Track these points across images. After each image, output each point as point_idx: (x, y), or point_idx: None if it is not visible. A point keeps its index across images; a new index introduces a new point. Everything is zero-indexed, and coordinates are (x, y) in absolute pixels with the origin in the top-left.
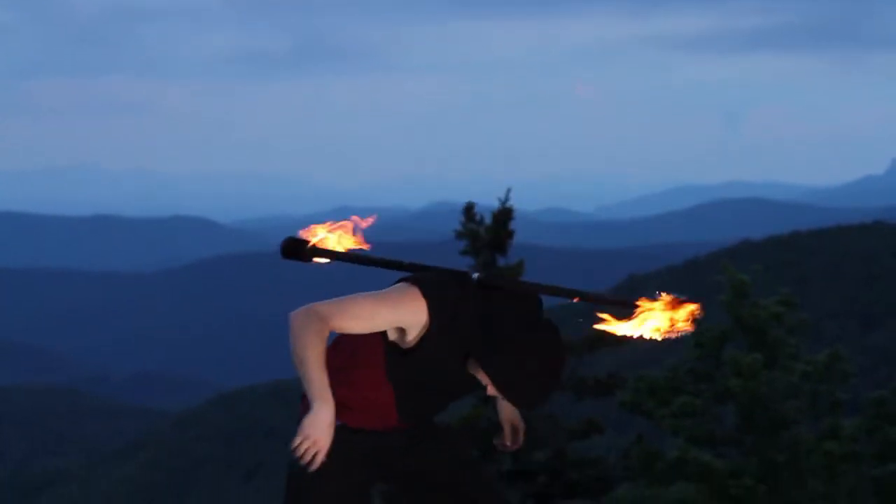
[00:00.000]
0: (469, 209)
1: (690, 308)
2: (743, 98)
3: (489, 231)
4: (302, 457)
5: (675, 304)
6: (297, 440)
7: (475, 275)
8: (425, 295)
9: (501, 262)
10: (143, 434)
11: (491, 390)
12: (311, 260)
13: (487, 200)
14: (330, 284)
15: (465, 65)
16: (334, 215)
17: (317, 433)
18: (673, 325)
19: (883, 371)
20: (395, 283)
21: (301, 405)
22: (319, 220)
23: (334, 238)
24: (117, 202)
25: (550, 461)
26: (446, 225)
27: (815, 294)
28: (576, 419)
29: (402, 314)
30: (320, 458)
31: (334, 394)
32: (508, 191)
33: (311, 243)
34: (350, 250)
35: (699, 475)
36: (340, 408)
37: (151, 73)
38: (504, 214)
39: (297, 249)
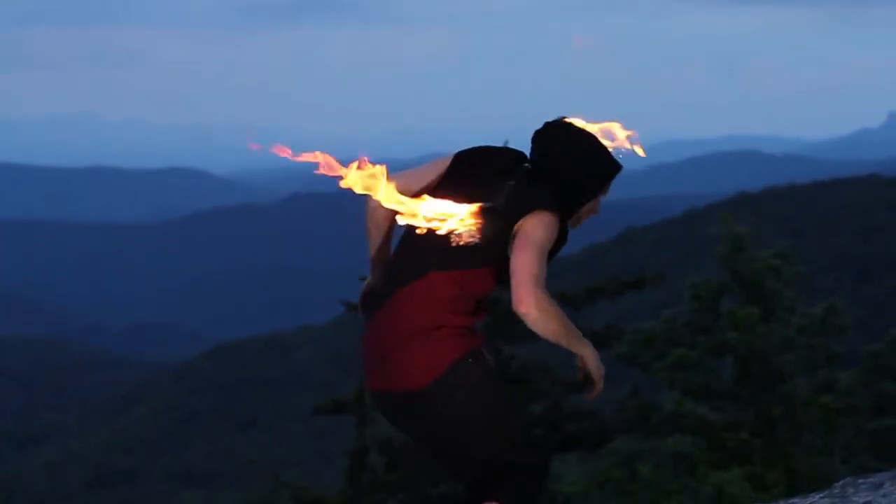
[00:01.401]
0: None
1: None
2: (739, 50)
3: None
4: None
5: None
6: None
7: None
8: (553, 212)
9: None
10: (139, 386)
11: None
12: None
13: None
14: (325, 238)
15: (462, 16)
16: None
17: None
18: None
19: (878, 324)
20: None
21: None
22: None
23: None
24: (113, 153)
25: (547, 414)
26: None
27: (811, 247)
28: (572, 372)
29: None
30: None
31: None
32: (506, 142)
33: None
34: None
35: (695, 428)
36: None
37: (148, 23)
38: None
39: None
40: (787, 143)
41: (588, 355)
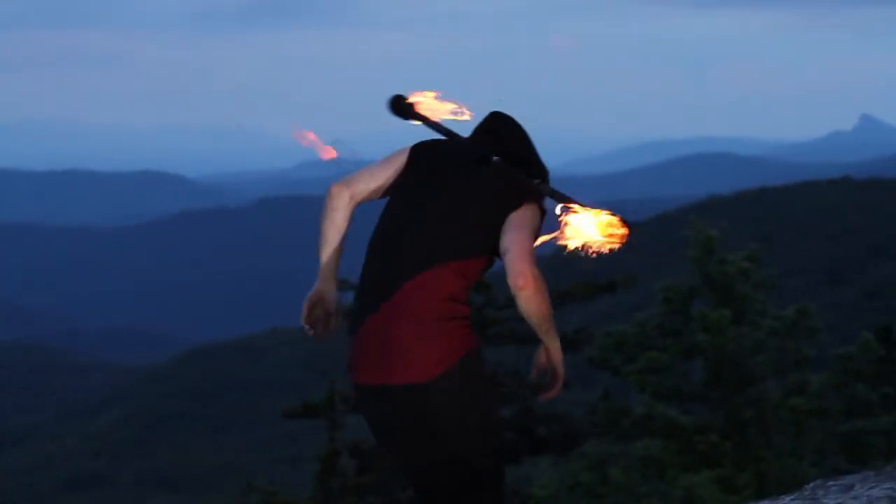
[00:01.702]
0: None
1: (620, 229)
2: (711, 53)
3: None
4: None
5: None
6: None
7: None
8: (542, 203)
9: None
10: (113, 390)
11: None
12: (411, 119)
13: None
14: (295, 241)
15: (427, 20)
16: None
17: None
18: (602, 242)
19: (849, 327)
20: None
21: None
22: (288, 175)
23: (443, 109)
24: (87, 156)
25: (517, 417)
26: None
27: (782, 250)
28: (542, 375)
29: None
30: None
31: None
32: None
33: (414, 104)
34: (444, 123)
35: (666, 431)
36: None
37: (122, 27)
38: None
39: (402, 107)
40: (759, 146)
41: (557, 349)
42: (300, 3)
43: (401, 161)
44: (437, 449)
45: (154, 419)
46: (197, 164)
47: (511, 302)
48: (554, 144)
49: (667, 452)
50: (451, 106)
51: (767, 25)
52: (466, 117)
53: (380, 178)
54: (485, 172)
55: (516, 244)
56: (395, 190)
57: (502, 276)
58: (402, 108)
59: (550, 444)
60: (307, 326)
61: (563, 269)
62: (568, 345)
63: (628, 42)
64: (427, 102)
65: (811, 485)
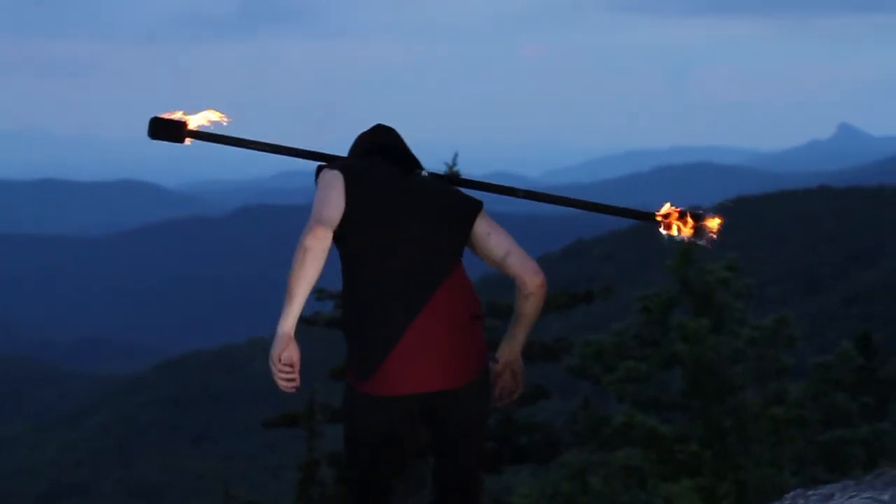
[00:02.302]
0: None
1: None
2: (687, 61)
3: None
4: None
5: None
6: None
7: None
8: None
9: None
10: (89, 400)
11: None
12: (184, 140)
13: (434, 165)
14: (275, 250)
15: (410, 28)
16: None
17: None
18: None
19: (828, 336)
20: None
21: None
22: (266, 184)
23: (199, 117)
24: (64, 166)
25: (498, 426)
26: None
27: (760, 259)
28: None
29: None
30: None
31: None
32: (455, 155)
33: (184, 122)
34: (215, 132)
35: (645, 440)
36: None
37: (98, 36)
38: (451, 179)
39: (170, 129)
40: (737, 154)
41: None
42: (283, 11)
43: (341, 185)
44: (458, 452)
45: (134, 429)
46: (175, 174)
47: (491, 310)
48: (532, 154)
49: (647, 461)
50: (211, 115)
51: (744, 34)
52: (226, 122)
53: (340, 206)
54: (431, 187)
55: (515, 246)
56: (352, 222)
57: (481, 286)
58: (168, 128)
59: (531, 453)
60: (283, 384)
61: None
62: (547, 354)
63: (605, 51)
64: (191, 118)
65: (791, 494)
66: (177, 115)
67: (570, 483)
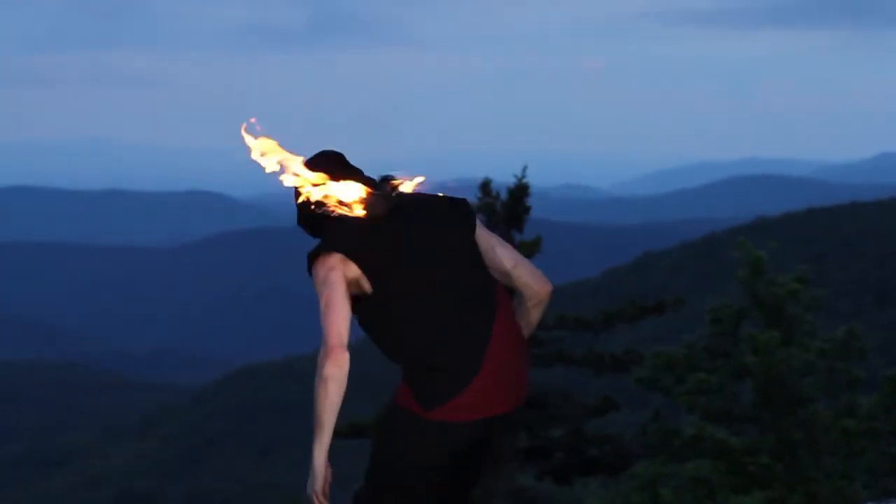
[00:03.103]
0: (486, 185)
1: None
2: (754, 73)
3: (505, 207)
4: None
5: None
6: None
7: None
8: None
9: (517, 237)
10: (158, 410)
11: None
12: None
13: (503, 176)
14: None
15: (480, 39)
16: None
17: None
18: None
19: None
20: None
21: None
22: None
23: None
24: (132, 177)
25: (567, 438)
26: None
27: (831, 271)
28: (592, 396)
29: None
30: None
31: None
32: (525, 167)
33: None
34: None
35: (716, 452)
36: None
37: (166, 47)
38: (520, 190)
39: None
40: (805, 167)
41: None
42: (348, 23)
43: (341, 276)
44: (481, 469)
45: (200, 439)
46: (243, 184)
47: (560, 322)
48: (599, 166)
49: (717, 473)
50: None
51: (812, 46)
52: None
53: (346, 308)
54: (413, 206)
55: (520, 256)
56: (374, 287)
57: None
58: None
59: (601, 464)
60: None
61: (611, 289)
62: (617, 366)
63: (670, 64)
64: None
65: None
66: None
67: (641, 495)
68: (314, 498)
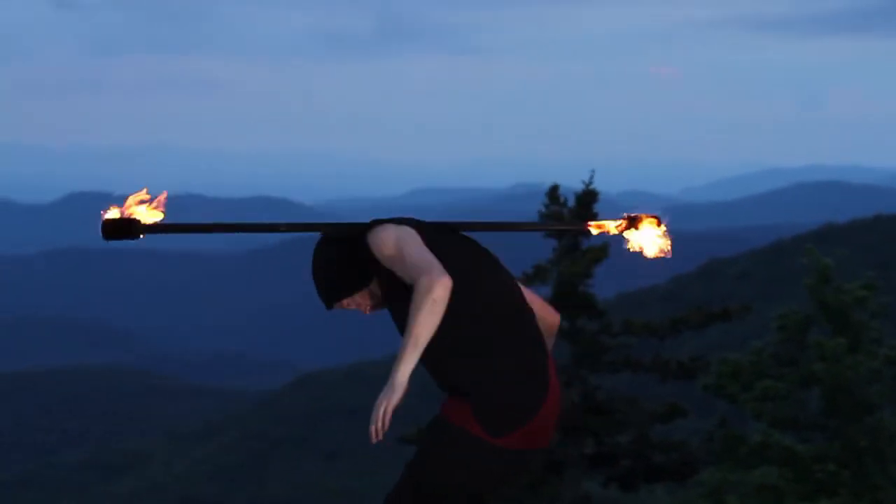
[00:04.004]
0: (553, 191)
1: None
2: (822, 79)
3: (573, 213)
4: None
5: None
6: None
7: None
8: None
9: (585, 244)
10: (222, 415)
11: None
12: (139, 236)
13: (570, 182)
14: None
15: (547, 46)
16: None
17: None
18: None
19: None
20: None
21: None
22: (398, 202)
23: (144, 211)
24: (197, 182)
25: (634, 444)
26: (528, 206)
27: None
28: (659, 402)
29: None
30: None
31: None
32: (592, 173)
33: (136, 219)
34: (168, 222)
35: (782, 459)
36: None
37: (232, 52)
38: (588, 196)
39: (123, 228)
40: (874, 173)
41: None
42: (415, 31)
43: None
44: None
45: (266, 445)
46: (309, 190)
47: (627, 328)
48: (668, 172)
49: (784, 480)
50: (147, 208)
51: (880, 52)
52: (162, 210)
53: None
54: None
55: (529, 290)
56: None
57: (617, 304)
58: (121, 227)
59: (667, 471)
60: (378, 434)
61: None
62: (683, 373)
63: (739, 70)
64: (137, 211)
65: None
66: (127, 210)
67: (706, 502)
68: (384, 410)
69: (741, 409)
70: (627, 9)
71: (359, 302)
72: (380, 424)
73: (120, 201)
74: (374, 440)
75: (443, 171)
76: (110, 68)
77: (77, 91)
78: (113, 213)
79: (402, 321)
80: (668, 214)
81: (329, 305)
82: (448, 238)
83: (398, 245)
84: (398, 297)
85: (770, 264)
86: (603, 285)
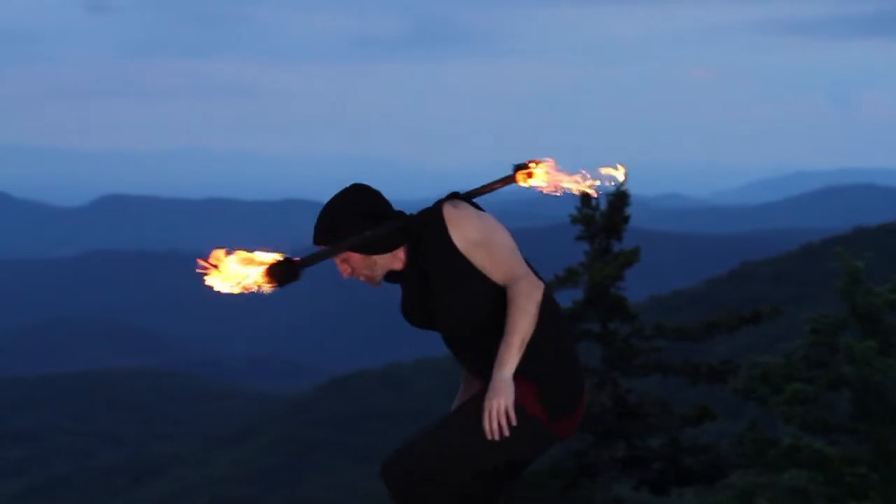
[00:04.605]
0: (585, 193)
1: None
2: (853, 83)
3: (604, 216)
4: None
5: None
6: None
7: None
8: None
9: (616, 247)
10: (257, 418)
11: None
12: (299, 277)
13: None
14: None
15: (578, 49)
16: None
17: None
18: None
19: None
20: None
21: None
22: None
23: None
24: (229, 185)
25: (664, 448)
26: (559, 209)
27: None
28: (689, 405)
29: None
30: None
31: None
32: (622, 180)
33: (294, 259)
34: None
35: (813, 462)
36: None
37: (265, 56)
38: (620, 199)
39: (289, 273)
40: None
41: None
42: (451, 33)
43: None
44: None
45: (300, 447)
46: None
47: (659, 332)
48: (700, 175)
49: (814, 484)
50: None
51: None
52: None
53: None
54: None
55: None
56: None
57: (649, 307)
58: (286, 271)
59: (697, 474)
60: (501, 432)
61: (710, 299)
62: (713, 376)
63: (770, 73)
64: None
65: None
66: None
67: None
68: (504, 409)
69: (771, 412)
70: (660, 12)
71: (355, 265)
72: (504, 422)
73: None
74: (496, 438)
75: (476, 173)
76: (143, 71)
77: (110, 94)
78: (269, 258)
79: (445, 312)
80: (700, 217)
81: (329, 251)
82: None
83: (486, 232)
84: (446, 286)
85: (801, 267)
86: (635, 288)
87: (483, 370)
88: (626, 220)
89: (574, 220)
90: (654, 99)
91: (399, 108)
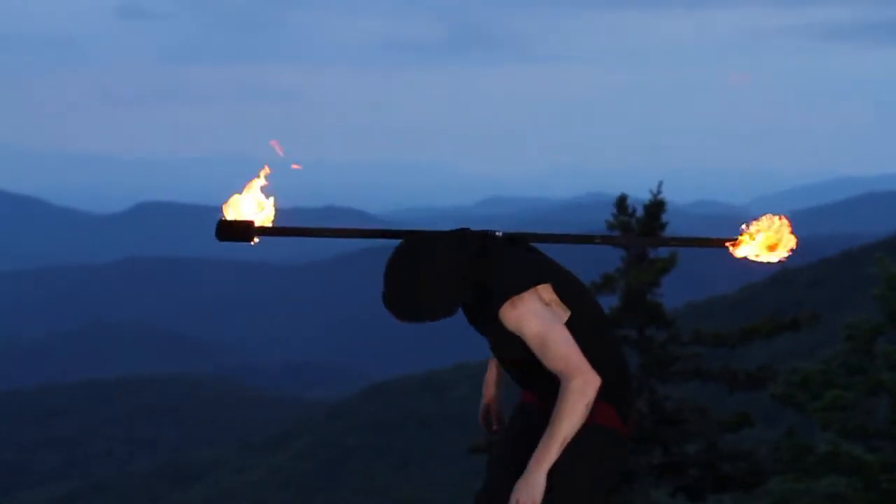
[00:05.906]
0: (622, 201)
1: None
2: (892, 90)
3: (641, 223)
4: None
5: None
6: None
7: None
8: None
9: (652, 254)
10: (294, 424)
11: None
12: (253, 240)
13: (638, 192)
14: None
15: (616, 55)
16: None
17: None
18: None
19: None
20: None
21: None
22: (469, 212)
23: (253, 204)
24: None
25: (701, 454)
26: (595, 216)
27: None
28: (727, 412)
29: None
30: None
31: None
32: (660, 183)
33: (252, 222)
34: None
35: (851, 469)
36: None
37: (303, 61)
38: (656, 206)
39: (240, 232)
40: None
41: None
42: (486, 39)
43: (560, 308)
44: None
45: (338, 453)
46: (379, 200)
47: (697, 338)
48: (738, 181)
49: (852, 490)
50: (264, 205)
51: None
52: (273, 209)
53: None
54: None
55: None
56: (575, 308)
57: (686, 313)
58: (236, 230)
59: (735, 480)
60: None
61: (748, 305)
62: (751, 382)
63: (809, 79)
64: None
65: None
66: (241, 211)
67: None
68: (534, 499)
69: (809, 418)
70: (698, 18)
71: None
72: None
73: (216, 212)
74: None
75: (513, 180)
76: (181, 78)
77: (147, 101)
78: (230, 214)
79: (494, 349)
80: (738, 224)
81: (407, 321)
82: (558, 270)
83: (543, 330)
84: (500, 338)
85: (840, 273)
86: (672, 294)
87: (523, 387)
88: (662, 227)
89: (610, 227)
90: (694, 104)
91: (438, 113)
